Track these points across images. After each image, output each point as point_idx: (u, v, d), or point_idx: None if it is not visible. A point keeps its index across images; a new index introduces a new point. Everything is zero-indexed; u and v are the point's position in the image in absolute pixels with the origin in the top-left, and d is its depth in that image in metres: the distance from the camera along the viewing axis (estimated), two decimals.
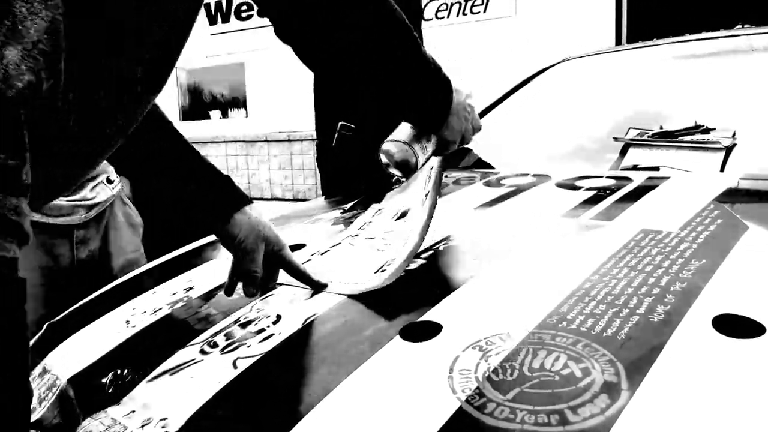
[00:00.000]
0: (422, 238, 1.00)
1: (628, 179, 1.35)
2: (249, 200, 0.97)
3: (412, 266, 0.99)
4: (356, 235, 1.19)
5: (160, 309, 1.04)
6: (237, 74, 7.74)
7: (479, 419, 0.61)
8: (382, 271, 0.97)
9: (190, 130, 7.34)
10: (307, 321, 0.87)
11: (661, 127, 1.62)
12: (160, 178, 0.93)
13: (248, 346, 0.84)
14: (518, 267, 0.94)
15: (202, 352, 0.86)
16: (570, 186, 1.36)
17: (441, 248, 1.06)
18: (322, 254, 1.14)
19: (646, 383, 0.62)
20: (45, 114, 0.56)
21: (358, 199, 1.53)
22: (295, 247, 1.18)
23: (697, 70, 1.84)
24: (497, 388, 0.65)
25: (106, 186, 1.56)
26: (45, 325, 1.16)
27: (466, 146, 1.00)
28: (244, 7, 7.53)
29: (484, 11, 6.05)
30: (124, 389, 0.83)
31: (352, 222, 1.30)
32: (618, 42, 5.33)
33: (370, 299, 0.91)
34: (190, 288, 1.11)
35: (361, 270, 1.00)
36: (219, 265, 1.17)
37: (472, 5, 6.11)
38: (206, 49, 7.67)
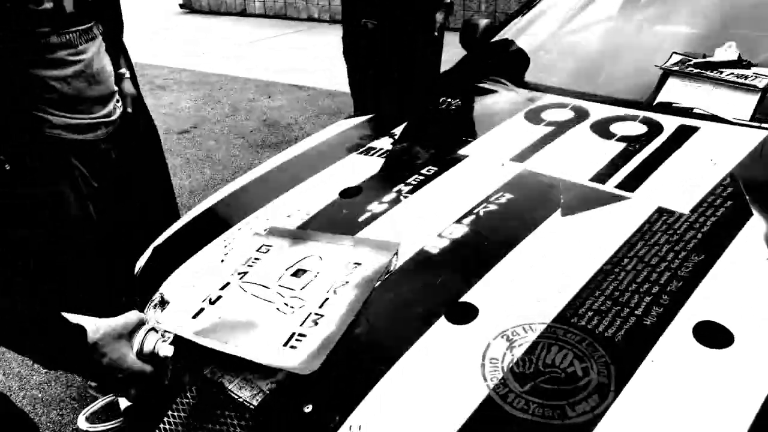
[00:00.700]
0: (340, 330, 1.00)
1: (659, 127, 1.45)
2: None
3: (453, 234, 1.18)
4: (243, 274, 1.17)
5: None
6: None
7: (501, 407, 0.85)
8: (292, 347, 0.98)
9: None
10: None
11: (704, 56, 1.66)
12: None
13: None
14: (544, 246, 1.12)
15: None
16: (604, 132, 1.47)
17: (481, 213, 1.23)
18: (212, 302, 1.11)
19: (630, 386, 0.84)
20: None
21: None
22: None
23: None
24: (517, 380, 0.88)
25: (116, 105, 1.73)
26: (151, 250, 1.41)
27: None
28: None
29: None
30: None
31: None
32: None
33: (425, 268, 1.11)
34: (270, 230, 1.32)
35: (265, 335, 1.02)
36: (292, 200, 1.37)
37: None
38: None
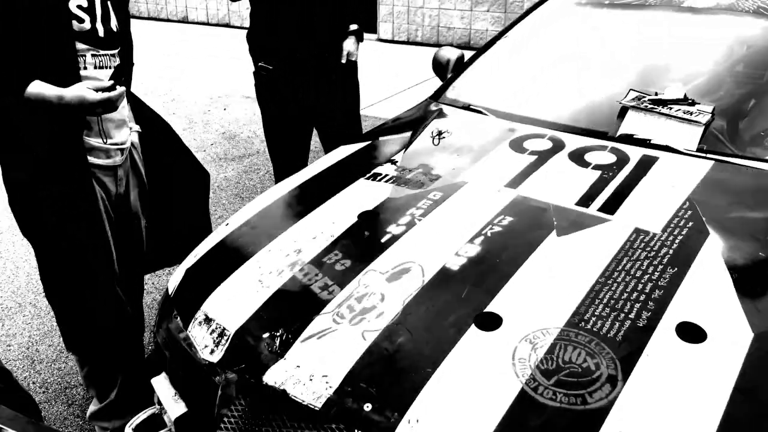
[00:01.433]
0: None
1: (626, 156, 1.71)
2: None
3: (468, 253, 1.38)
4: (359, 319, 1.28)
5: (283, 271, 1.42)
6: None
7: (534, 398, 1.05)
8: None
9: None
10: (405, 302, 1.27)
11: (656, 94, 1.94)
12: None
13: (368, 321, 1.24)
14: (547, 262, 1.34)
15: (335, 321, 1.26)
16: (580, 160, 1.71)
17: (489, 234, 1.44)
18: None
19: (633, 376, 1.06)
20: None
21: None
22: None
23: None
24: (544, 375, 1.08)
25: (130, 131, 1.84)
26: (184, 271, 1.54)
27: None
28: None
29: None
30: (285, 346, 1.24)
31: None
32: None
33: (449, 283, 1.30)
34: (299, 251, 1.48)
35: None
36: (314, 223, 1.53)
37: None
38: None
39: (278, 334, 1.27)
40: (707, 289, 1.24)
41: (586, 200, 1.53)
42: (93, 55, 1.61)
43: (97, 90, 1.54)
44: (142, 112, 1.89)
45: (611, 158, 1.72)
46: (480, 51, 2.49)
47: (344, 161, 1.91)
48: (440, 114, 2.14)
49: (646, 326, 1.16)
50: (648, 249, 1.35)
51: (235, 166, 4.07)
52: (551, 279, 1.29)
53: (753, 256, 1.33)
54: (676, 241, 1.37)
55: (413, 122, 2.13)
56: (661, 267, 1.29)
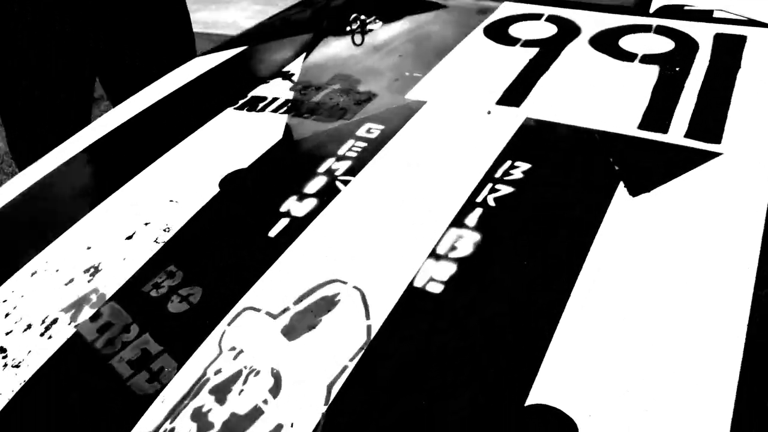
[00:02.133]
0: None
1: (691, 42, 0.99)
2: None
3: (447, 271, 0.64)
4: None
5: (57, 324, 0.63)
6: None
7: None
8: None
9: None
10: (333, 392, 0.53)
11: None
12: None
13: None
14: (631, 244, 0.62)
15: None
16: (614, 50, 0.98)
17: (488, 207, 0.70)
18: None
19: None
20: None
21: None
22: None
23: None
24: None
25: None
26: None
27: None
28: None
29: None
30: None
31: None
32: None
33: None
34: (95, 269, 0.69)
35: None
36: (126, 207, 0.74)
37: None
38: None
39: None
40: None
41: (656, 121, 0.81)
42: None
43: None
44: None
45: (667, 44, 0.99)
46: None
47: (195, 82, 1.08)
48: None
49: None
50: None
51: None
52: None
53: None
54: None
55: (314, 13, 1.32)
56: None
